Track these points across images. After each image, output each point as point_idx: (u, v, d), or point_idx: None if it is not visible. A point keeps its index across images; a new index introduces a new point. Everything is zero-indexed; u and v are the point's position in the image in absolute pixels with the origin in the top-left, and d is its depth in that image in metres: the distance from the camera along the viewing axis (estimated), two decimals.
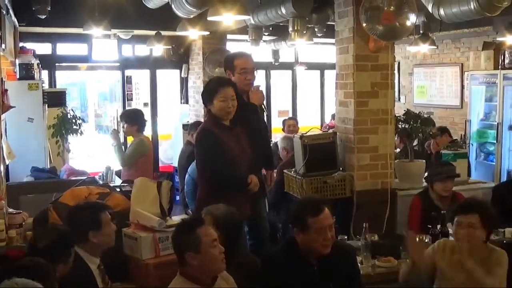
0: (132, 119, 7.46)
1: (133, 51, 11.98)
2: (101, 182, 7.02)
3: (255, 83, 5.96)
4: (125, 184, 6.22)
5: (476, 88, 11.05)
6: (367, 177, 6.26)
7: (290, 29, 8.40)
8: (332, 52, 6.96)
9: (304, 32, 8.58)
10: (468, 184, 6.93)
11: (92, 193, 4.98)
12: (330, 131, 7.00)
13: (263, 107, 6.08)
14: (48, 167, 8.03)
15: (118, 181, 7.40)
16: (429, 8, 6.92)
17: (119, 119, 8.11)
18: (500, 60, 10.55)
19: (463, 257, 4.36)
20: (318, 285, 4.00)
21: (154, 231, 4.53)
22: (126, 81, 11.97)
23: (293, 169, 6.32)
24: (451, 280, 4.38)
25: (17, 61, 8.45)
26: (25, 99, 8.12)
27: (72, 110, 9.22)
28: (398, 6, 5.85)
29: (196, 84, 11.74)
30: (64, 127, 8.74)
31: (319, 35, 9.94)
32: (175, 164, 10.22)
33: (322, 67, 14.23)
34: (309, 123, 11.64)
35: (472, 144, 10.97)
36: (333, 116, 10.92)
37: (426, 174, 6.49)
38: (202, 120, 9.61)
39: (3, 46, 6.72)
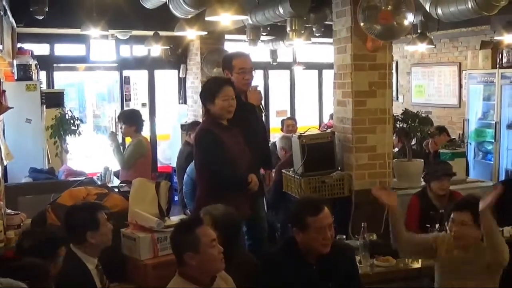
0: (130, 119, 7.45)
1: (131, 51, 11.97)
2: (99, 182, 7.01)
3: (253, 83, 5.95)
4: (124, 185, 6.22)
5: (474, 87, 11.06)
6: (365, 176, 6.27)
7: (288, 29, 8.40)
8: (330, 51, 6.94)
9: (302, 32, 8.58)
10: (466, 183, 6.94)
11: (90, 193, 4.98)
12: (328, 130, 6.99)
13: (261, 107, 6.07)
14: (46, 168, 8.01)
15: (116, 182, 7.40)
16: (427, 7, 6.92)
17: (117, 120, 8.09)
18: (498, 59, 10.57)
19: (460, 254, 4.36)
20: (317, 284, 4.00)
21: (153, 232, 4.52)
22: (124, 82, 11.96)
23: (292, 169, 6.33)
24: (450, 274, 4.39)
25: (15, 62, 8.43)
26: (23, 100, 8.10)
27: (70, 110, 9.21)
28: (396, 5, 5.85)
29: (194, 84, 11.73)
30: (62, 127, 8.73)
31: (317, 34, 9.95)
32: (174, 164, 10.22)
33: (320, 67, 14.23)
34: (307, 122, 11.63)
35: (470, 143, 10.98)
36: (331, 116, 10.91)
37: (424, 173, 6.49)
38: (201, 120, 9.63)
39: (0, 47, 6.72)
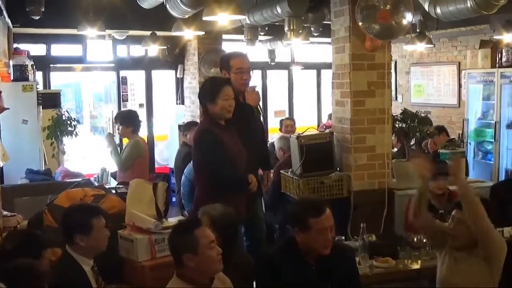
0: (127, 120, 7.45)
1: (128, 51, 11.97)
2: (96, 184, 7.01)
3: (251, 83, 5.96)
4: (121, 186, 6.22)
5: (474, 87, 11.07)
6: (364, 177, 6.26)
7: (286, 28, 8.40)
8: (328, 51, 6.95)
9: (300, 31, 8.58)
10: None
11: (87, 195, 4.98)
12: (327, 131, 6.99)
13: (259, 108, 6.07)
14: (43, 169, 8.01)
15: (113, 183, 7.39)
16: (426, 6, 6.93)
17: (114, 120, 8.09)
18: (497, 59, 10.58)
19: (459, 252, 4.37)
20: (316, 285, 4.01)
21: (150, 233, 4.52)
22: (121, 82, 11.95)
23: (290, 170, 6.32)
24: (449, 270, 4.40)
25: (11, 63, 8.43)
26: (19, 100, 8.10)
27: (67, 111, 9.19)
28: (394, 4, 5.85)
29: (192, 84, 11.73)
30: (59, 128, 8.72)
31: (315, 34, 9.95)
32: (171, 165, 10.22)
33: (318, 67, 14.22)
34: (306, 123, 11.64)
35: (470, 143, 10.99)
36: (329, 116, 10.93)
37: None
38: (198, 121, 9.62)
39: None
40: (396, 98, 13.34)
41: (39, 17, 7.64)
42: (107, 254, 4.18)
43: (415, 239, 5.17)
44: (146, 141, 9.35)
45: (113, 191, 5.57)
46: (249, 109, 5.75)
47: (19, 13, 8.10)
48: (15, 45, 9.29)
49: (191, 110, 11.78)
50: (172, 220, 4.85)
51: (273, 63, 13.25)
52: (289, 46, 12.12)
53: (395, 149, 7.90)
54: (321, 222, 3.94)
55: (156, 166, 12.20)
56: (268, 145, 7.69)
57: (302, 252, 4.01)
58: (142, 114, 10.67)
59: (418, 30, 9.25)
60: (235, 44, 11.61)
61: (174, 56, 11.89)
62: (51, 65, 11.22)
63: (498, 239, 4.28)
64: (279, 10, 7.66)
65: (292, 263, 4.00)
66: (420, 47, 9.77)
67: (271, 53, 13.05)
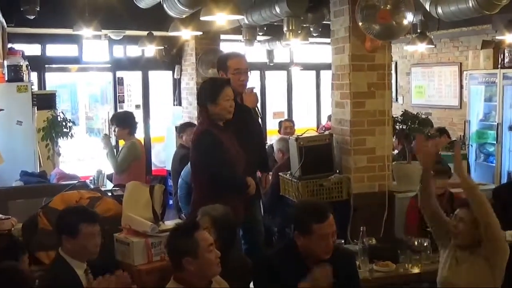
0: (123, 122, 7.45)
1: (124, 52, 11.97)
2: (92, 186, 7.01)
3: (249, 85, 5.96)
4: (117, 188, 6.18)
5: (475, 88, 11.07)
6: (364, 179, 6.27)
7: (285, 28, 8.41)
8: (328, 52, 6.95)
9: (299, 31, 8.59)
10: None
11: (83, 197, 4.96)
12: (326, 132, 7.00)
13: (257, 110, 6.07)
14: (38, 171, 7.99)
15: (109, 185, 7.39)
16: (427, 6, 6.94)
17: (110, 122, 8.08)
18: (499, 59, 10.57)
19: (462, 251, 4.38)
20: None
21: (147, 236, 4.51)
22: (118, 83, 11.95)
23: (289, 172, 6.32)
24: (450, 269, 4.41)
25: (5, 63, 8.41)
26: (14, 101, 8.09)
27: (62, 112, 9.17)
28: (395, 4, 5.85)
29: (189, 85, 11.73)
30: (54, 130, 8.71)
31: (314, 34, 9.96)
32: (168, 167, 10.22)
33: (317, 68, 14.22)
34: (305, 124, 11.66)
35: (472, 145, 10.99)
36: (329, 118, 10.92)
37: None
38: (195, 122, 9.62)
39: None
40: (396, 100, 13.35)
41: (34, 16, 7.64)
42: (102, 257, 4.17)
43: (416, 243, 5.16)
44: (143, 143, 9.36)
45: (109, 194, 5.54)
46: (247, 111, 5.75)
47: (14, 12, 8.10)
48: (9, 45, 9.29)
49: (188, 112, 11.78)
50: (169, 223, 4.83)
51: (271, 64, 13.26)
52: (288, 47, 12.13)
53: (396, 151, 7.92)
54: (324, 228, 3.94)
55: (153, 168, 12.19)
56: (266, 147, 7.70)
57: (302, 256, 4.01)
58: (138, 116, 10.65)
59: (419, 30, 9.26)
60: (233, 44, 11.62)
61: (171, 57, 11.89)
62: (46, 66, 11.20)
63: (502, 237, 4.28)
64: (277, 10, 7.66)
65: (292, 266, 4.00)
66: (421, 47, 9.78)
67: (270, 53, 13.06)
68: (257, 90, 6.25)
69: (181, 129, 8.40)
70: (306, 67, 14.00)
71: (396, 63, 13.36)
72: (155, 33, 10.11)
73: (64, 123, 8.81)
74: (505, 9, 6.23)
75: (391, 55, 6.49)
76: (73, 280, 3.92)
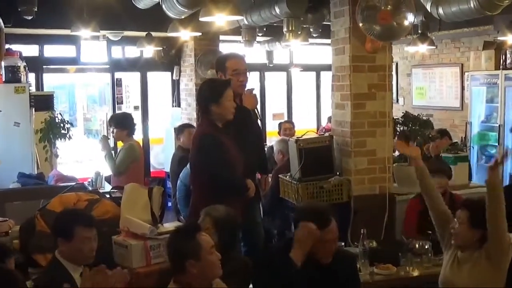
0: (122, 123, 7.45)
1: (123, 52, 11.96)
2: (90, 188, 7.00)
3: (248, 86, 5.96)
4: (115, 190, 6.20)
5: (477, 89, 11.08)
6: (365, 181, 6.26)
7: (285, 29, 8.40)
8: (328, 53, 6.96)
9: (299, 32, 8.58)
10: (469, 188, 6.95)
11: (81, 199, 4.97)
12: (326, 134, 7.00)
13: (257, 112, 6.08)
14: (36, 173, 8.00)
15: (108, 187, 7.39)
16: (428, 7, 6.94)
17: (108, 123, 8.09)
18: (501, 60, 10.59)
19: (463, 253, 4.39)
20: None
21: (145, 239, 4.52)
22: (116, 84, 11.94)
23: (289, 174, 6.32)
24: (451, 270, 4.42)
25: (3, 64, 8.41)
26: (11, 102, 8.10)
27: (60, 114, 9.19)
28: (396, 5, 5.85)
29: (188, 86, 11.73)
30: (52, 131, 8.72)
31: (314, 35, 9.96)
32: (167, 169, 10.22)
33: (317, 69, 14.22)
34: (305, 126, 11.66)
35: (473, 147, 10.98)
36: (329, 119, 10.93)
37: None
38: (193, 123, 9.62)
39: None
40: (397, 101, 13.36)
41: (32, 17, 7.64)
42: (100, 260, 4.17)
43: (417, 246, 5.17)
44: (141, 144, 9.35)
45: (107, 196, 5.55)
46: (246, 112, 5.75)
47: (11, 13, 8.09)
48: (6, 46, 9.27)
49: (187, 113, 11.77)
50: (168, 226, 4.84)
51: (271, 65, 13.26)
52: (288, 48, 12.12)
53: (397, 153, 7.91)
54: (325, 234, 3.95)
55: (151, 170, 12.20)
56: (266, 149, 7.70)
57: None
58: (137, 117, 10.66)
59: (420, 31, 9.26)
60: (233, 45, 11.63)
61: (170, 58, 11.88)
62: (44, 67, 11.20)
63: (507, 240, 4.29)
64: (277, 10, 7.66)
65: (292, 267, 3.99)
66: (422, 48, 9.77)
67: (269, 54, 13.06)
68: (257, 91, 6.25)
69: (179, 130, 8.39)
70: (306, 68, 14.00)
71: (396, 64, 13.37)
72: (154, 33, 10.11)
73: (62, 125, 8.82)
74: (507, 10, 6.22)
75: (391, 56, 6.48)
76: (69, 284, 3.91)
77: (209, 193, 5.13)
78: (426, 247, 5.12)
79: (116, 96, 11.91)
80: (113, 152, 7.74)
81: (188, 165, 6.13)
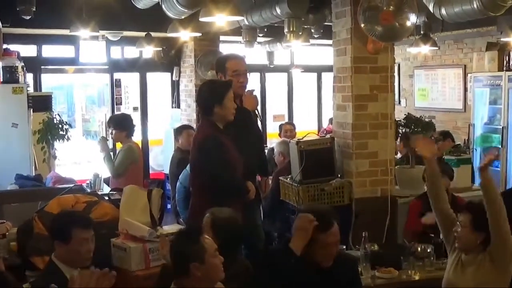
0: (121, 124, 7.45)
1: (122, 53, 11.96)
2: (88, 190, 6.99)
3: (249, 87, 5.97)
4: (114, 192, 6.20)
5: (480, 91, 11.07)
6: (366, 184, 6.27)
7: (286, 30, 8.40)
8: (329, 54, 6.96)
9: (300, 33, 8.58)
10: (471, 191, 6.93)
11: (79, 201, 4.97)
12: (328, 136, 7.00)
13: (257, 113, 6.08)
14: (33, 174, 8.00)
15: (106, 189, 7.38)
16: (430, 7, 6.93)
17: (107, 124, 8.09)
18: (504, 61, 10.57)
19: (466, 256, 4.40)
20: None
21: (144, 241, 4.52)
22: (115, 85, 11.94)
23: (289, 176, 6.32)
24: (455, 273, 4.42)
25: (1, 64, 8.42)
26: (9, 103, 8.10)
27: (58, 114, 9.20)
28: (398, 5, 5.85)
29: (188, 87, 11.73)
30: (50, 132, 8.72)
31: (315, 36, 9.95)
32: (166, 171, 10.22)
33: (319, 70, 14.22)
34: (306, 127, 11.64)
35: (476, 149, 10.97)
36: (330, 121, 10.92)
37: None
38: (194, 124, 9.63)
39: None
40: (399, 102, 13.35)
41: (30, 17, 7.64)
42: (99, 263, 4.16)
43: (419, 249, 5.16)
44: (140, 146, 9.35)
45: (106, 198, 5.55)
46: (247, 114, 5.75)
47: (9, 12, 8.08)
48: (4, 46, 9.26)
49: (187, 114, 11.78)
50: (167, 228, 4.84)
51: (272, 66, 13.25)
52: (289, 48, 12.13)
53: (399, 155, 7.92)
54: (327, 237, 3.95)
55: (150, 171, 12.20)
56: (266, 150, 7.69)
57: (303, 261, 4.01)
58: (136, 118, 10.67)
59: (422, 32, 9.25)
60: (233, 46, 11.63)
61: (170, 58, 11.88)
62: (42, 67, 11.19)
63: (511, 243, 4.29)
64: (278, 11, 7.66)
65: (292, 270, 3.99)
66: (425, 49, 9.77)
67: (270, 55, 13.06)
68: (257, 93, 6.26)
69: (178, 132, 8.39)
70: (307, 69, 14.00)
71: (399, 65, 13.36)
72: (153, 34, 10.11)
73: (60, 126, 8.83)
74: (510, 11, 6.23)
75: (394, 57, 6.49)
76: (64, 287, 3.91)
77: (209, 195, 5.13)
78: (428, 250, 5.12)
79: (115, 97, 11.91)
80: (112, 153, 7.73)
81: (187, 167, 6.14)
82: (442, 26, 9.51)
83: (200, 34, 8.99)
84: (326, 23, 8.89)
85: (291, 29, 8.33)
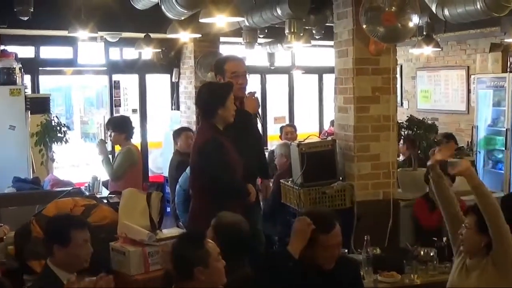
0: (120, 126, 7.45)
1: (121, 54, 11.97)
2: (87, 193, 7.00)
3: (250, 89, 5.97)
4: (113, 196, 6.21)
5: (483, 92, 11.07)
6: (368, 187, 6.27)
7: (287, 31, 8.40)
8: (330, 55, 6.96)
9: (301, 34, 8.58)
10: None
11: (78, 205, 4.97)
12: (329, 138, 7.00)
13: (258, 115, 6.08)
14: (31, 177, 8.01)
15: (105, 192, 7.40)
16: (433, 8, 6.93)
17: (105, 127, 8.09)
18: (508, 62, 10.59)
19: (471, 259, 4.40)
20: None
21: (144, 245, 4.52)
22: (114, 86, 11.94)
23: (290, 179, 6.32)
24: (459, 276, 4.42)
25: None
26: (7, 105, 8.11)
27: (56, 117, 9.20)
28: (400, 6, 5.85)
29: (188, 89, 11.73)
30: (48, 135, 8.72)
31: (317, 37, 9.95)
32: (166, 173, 10.22)
33: (320, 71, 14.23)
34: (307, 130, 11.64)
35: (480, 152, 10.98)
36: (332, 123, 10.92)
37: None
38: (194, 126, 9.63)
39: None
40: (401, 104, 13.35)
41: (28, 17, 7.64)
42: (98, 267, 4.17)
43: (422, 253, 5.17)
44: (140, 148, 9.35)
45: (105, 201, 5.56)
46: (247, 116, 5.75)
47: (7, 13, 8.09)
48: (2, 47, 9.30)
49: (186, 116, 11.77)
50: (167, 232, 4.85)
51: (272, 67, 13.25)
52: (290, 50, 12.14)
53: (401, 157, 7.92)
54: (329, 239, 3.96)
55: (150, 174, 12.20)
56: (267, 153, 7.69)
57: (304, 264, 4.02)
58: (135, 120, 10.66)
59: (425, 33, 9.25)
60: (233, 47, 11.64)
61: (169, 60, 11.88)
62: (40, 68, 11.18)
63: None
64: (279, 11, 7.66)
65: (292, 273, 3.99)
66: (427, 50, 9.77)
67: (271, 56, 13.06)
68: (258, 94, 6.26)
69: (176, 134, 8.40)
70: (308, 70, 14.00)
71: (401, 66, 13.37)
72: (153, 35, 10.10)
73: (58, 128, 8.83)
74: None
75: (396, 59, 6.49)
76: None
77: (209, 197, 5.14)
78: (431, 254, 5.12)
79: (114, 98, 11.90)
80: (110, 156, 7.73)
81: (187, 170, 6.14)
82: (445, 27, 9.50)
83: (200, 35, 8.99)
84: (327, 24, 8.89)
85: (292, 30, 8.33)
